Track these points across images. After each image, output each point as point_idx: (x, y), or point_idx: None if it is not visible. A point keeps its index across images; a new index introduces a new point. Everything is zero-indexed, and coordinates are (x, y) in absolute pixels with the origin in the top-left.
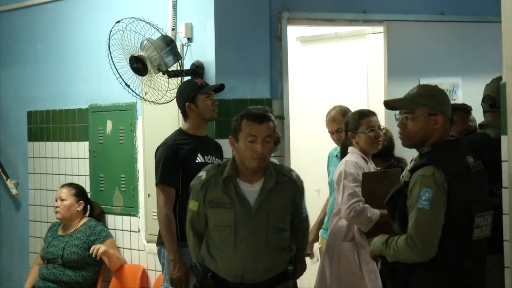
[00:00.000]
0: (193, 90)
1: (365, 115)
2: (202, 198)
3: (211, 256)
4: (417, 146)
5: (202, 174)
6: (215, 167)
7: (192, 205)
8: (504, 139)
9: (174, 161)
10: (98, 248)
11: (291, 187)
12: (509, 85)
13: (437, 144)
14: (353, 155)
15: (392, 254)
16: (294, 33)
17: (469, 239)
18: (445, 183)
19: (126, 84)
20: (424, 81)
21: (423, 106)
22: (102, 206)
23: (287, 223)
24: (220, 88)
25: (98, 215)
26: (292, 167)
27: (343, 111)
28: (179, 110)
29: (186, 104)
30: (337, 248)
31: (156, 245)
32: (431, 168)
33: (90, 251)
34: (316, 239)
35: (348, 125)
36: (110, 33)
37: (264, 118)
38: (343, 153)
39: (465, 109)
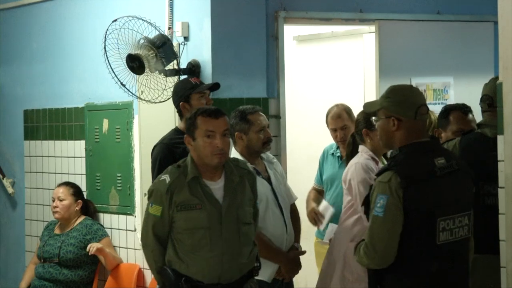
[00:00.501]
0: (187, 90)
1: None
2: (168, 202)
3: (181, 260)
4: (388, 149)
5: (165, 177)
6: (176, 168)
7: (155, 210)
8: (500, 138)
9: (171, 160)
10: (94, 247)
11: (250, 179)
12: (506, 84)
13: (404, 146)
14: (362, 155)
15: (358, 260)
16: (290, 32)
17: (434, 243)
18: (400, 190)
19: (121, 83)
20: (416, 80)
21: (382, 108)
22: (98, 205)
23: (252, 216)
24: (215, 87)
25: (93, 213)
26: (288, 166)
27: (347, 109)
28: (175, 109)
29: (181, 103)
30: (344, 248)
31: None
32: (389, 174)
33: (87, 249)
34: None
35: (361, 123)
36: (106, 32)
37: (219, 112)
38: (352, 152)
39: (462, 109)
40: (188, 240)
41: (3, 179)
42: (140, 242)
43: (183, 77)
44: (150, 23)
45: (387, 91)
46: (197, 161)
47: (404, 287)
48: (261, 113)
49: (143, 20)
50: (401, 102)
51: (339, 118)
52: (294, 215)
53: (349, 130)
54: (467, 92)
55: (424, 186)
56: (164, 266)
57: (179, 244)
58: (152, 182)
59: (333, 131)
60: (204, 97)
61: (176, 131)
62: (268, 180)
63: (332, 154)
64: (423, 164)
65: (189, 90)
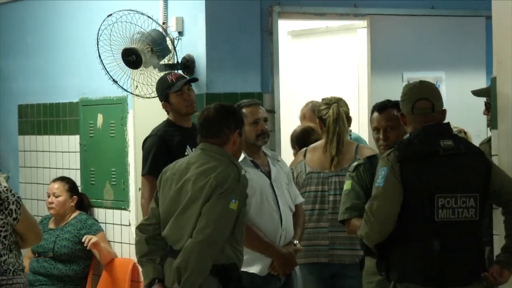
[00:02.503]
0: (164, 90)
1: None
2: (244, 197)
3: (240, 254)
4: None
5: (243, 170)
6: (232, 164)
7: (235, 205)
8: (494, 133)
9: (165, 152)
10: (91, 238)
11: None
12: (500, 79)
13: (414, 131)
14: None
15: (360, 233)
16: (285, 27)
17: (433, 219)
18: (397, 163)
19: (114, 80)
20: (408, 75)
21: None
22: (93, 200)
23: None
24: (191, 81)
25: (87, 207)
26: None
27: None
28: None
29: (162, 103)
30: None
31: None
32: (390, 150)
33: (83, 240)
34: None
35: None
36: (100, 27)
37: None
38: None
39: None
40: (240, 234)
41: None
42: (197, 239)
43: (179, 72)
44: (148, 16)
45: None
46: (237, 153)
47: (409, 263)
48: (259, 107)
49: (140, 13)
50: (401, 99)
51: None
52: (298, 214)
53: None
54: (459, 86)
55: (422, 163)
56: (222, 263)
57: (236, 239)
58: (142, 173)
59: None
60: (182, 94)
61: (168, 122)
62: (268, 174)
63: None
64: (425, 143)
65: (166, 90)
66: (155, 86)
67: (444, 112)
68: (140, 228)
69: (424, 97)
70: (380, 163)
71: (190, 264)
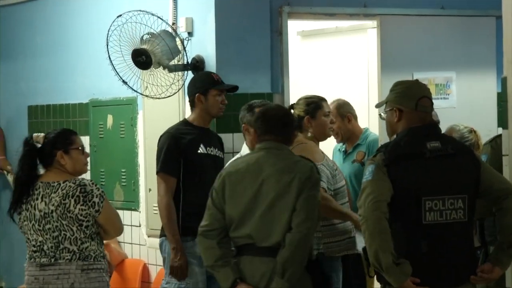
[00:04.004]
0: (207, 83)
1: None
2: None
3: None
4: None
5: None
6: (301, 158)
7: (319, 196)
8: (505, 133)
9: (176, 150)
10: None
11: None
12: (510, 79)
13: (400, 132)
14: None
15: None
16: (294, 27)
17: (420, 222)
18: (384, 167)
19: (123, 81)
20: (418, 75)
21: (387, 101)
22: None
23: None
24: (233, 89)
25: None
26: None
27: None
28: (180, 105)
29: (197, 94)
30: None
31: (159, 237)
32: (376, 153)
33: None
34: None
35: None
36: (110, 28)
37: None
38: None
39: None
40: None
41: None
42: (302, 232)
43: (188, 72)
44: (158, 16)
45: (392, 85)
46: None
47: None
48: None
49: (149, 14)
50: (402, 94)
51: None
52: None
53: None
54: (469, 86)
55: (409, 166)
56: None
57: None
58: (156, 171)
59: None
60: (221, 96)
61: (184, 122)
62: None
63: (339, 150)
64: (412, 145)
65: (210, 84)
66: (164, 86)
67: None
68: (204, 235)
69: (426, 96)
70: (367, 164)
71: (297, 257)
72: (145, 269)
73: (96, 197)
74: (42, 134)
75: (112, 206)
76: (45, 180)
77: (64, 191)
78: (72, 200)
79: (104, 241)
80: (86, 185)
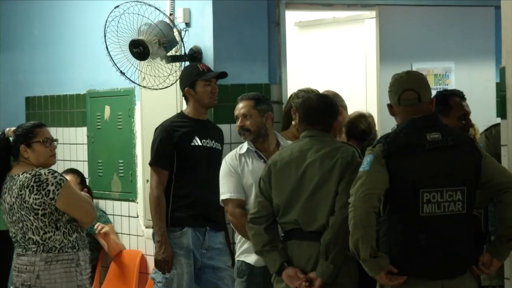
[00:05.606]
0: (193, 76)
1: None
2: None
3: None
4: None
5: None
6: (343, 143)
7: None
8: (503, 123)
9: (169, 142)
10: (103, 227)
11: None
12: (509, 69)
13: (400, 124)
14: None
15: (349, 227)
16: (292, 18)
17: (417, 214)
18: (383, 159)
19: (121, 72)
20: (417, 65)
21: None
22: (101, 192)
23: None
24: (222, 75)
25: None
26: None
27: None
28: (177, 95)
29: (186, 88)
30: None
31: (152, 228)
32: (376, 143)
33: (95, 226)
34: None
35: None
36: (107, 20)
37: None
38: None
39: (459, 95)
40: None
41: None
42: (344, 214)
43: (186, 63)
44: (155, 7)
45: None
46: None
47: (394, 256)
48: (240, 102)
49: (147, 5)
50: (389, 89)
51: None
52: None
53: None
54: (468, 77)
55: (408, 157)
56: None
57: None
58: (149, 163)
59: None
60: (210, 85)
61: (180, 115)
62: None
63: None
64: (412, 137)
65: (195, 76)
66: (162, 77)
67: (432, 101)
68: (252, 221)
69: (410, 88)
70: (366, 153)
71: (340, 240)
72: (143, 260)
73: (52, 185)
74: (13, 128)
75: (77, 193)
76: (11, 173)
77: (21, 183)
78: (27, 190)
79: (105, 230)
80: (42, 175)
